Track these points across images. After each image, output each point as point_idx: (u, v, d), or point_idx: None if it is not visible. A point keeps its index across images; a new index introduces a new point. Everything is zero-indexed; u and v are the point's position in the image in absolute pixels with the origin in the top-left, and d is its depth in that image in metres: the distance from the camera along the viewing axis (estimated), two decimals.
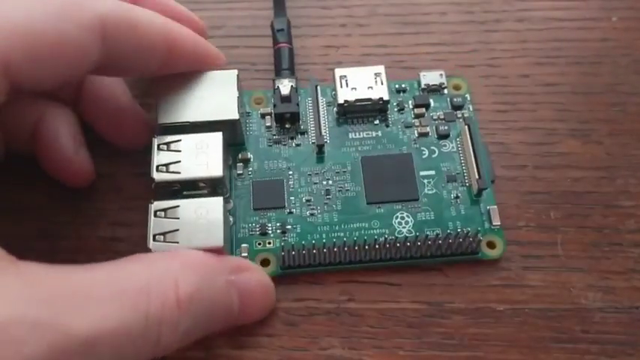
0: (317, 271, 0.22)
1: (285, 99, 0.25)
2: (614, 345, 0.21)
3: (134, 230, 0.23)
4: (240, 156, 0.24)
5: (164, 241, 0.20)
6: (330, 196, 0.23)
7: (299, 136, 0.25)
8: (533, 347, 0.21)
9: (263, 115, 0.25)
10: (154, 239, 0.20)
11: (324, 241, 0.22)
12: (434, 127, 0.25)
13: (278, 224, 0.23)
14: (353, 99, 0.24)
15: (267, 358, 0.21)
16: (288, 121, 0.25)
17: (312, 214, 0.23)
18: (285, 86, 0.25)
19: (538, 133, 0.25)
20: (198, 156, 0.21)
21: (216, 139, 0.22)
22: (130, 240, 0.23)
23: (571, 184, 0.24)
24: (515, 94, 0.26)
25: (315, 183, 0.24)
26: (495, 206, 0.23)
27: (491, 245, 0.23)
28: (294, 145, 0.25)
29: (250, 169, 0.24)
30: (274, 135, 0.25)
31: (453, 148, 0.24)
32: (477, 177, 0.23)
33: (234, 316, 0.20)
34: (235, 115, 0.22)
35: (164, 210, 0.21)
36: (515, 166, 0.24)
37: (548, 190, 0.24)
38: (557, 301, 0.22)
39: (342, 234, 0.23)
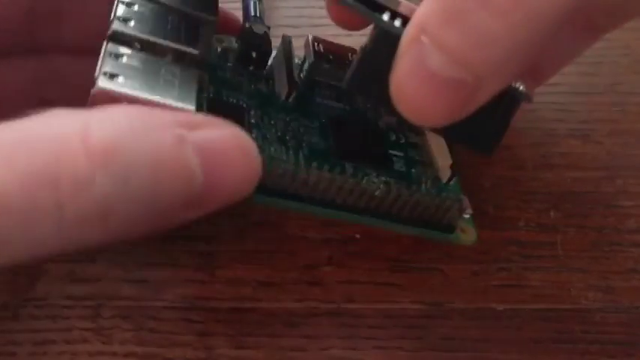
0: (279, 206, 0.20)
1: (257, 37, 0.22)
2: (614, 345, 0.21)
3: None
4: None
5: (116, 81, 0.16)
6: (296, 140, 0.21)
7: (263, 82, 0.22)
8: (533, 347, 0.21)
9: (224, 51, 0.23)
10: (104, 75, 0.16)
11: (289, 172, 0.20)
12: None
13: None
14: (327, 66, 0.22)
15: (267, 358, 0.21)
16: (253, 62, 0.22)
17: (276, 150, 0.20)
18: (258, 29, 0.22)
19: (538, 133, 0.25)
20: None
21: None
22: (131, 240, 0.23)
23: (571, 184, 0.24)
24: None
25: (280, 125, 0.21)
26: (465, 197, 0.22)
27: (462, 231, 0.22)
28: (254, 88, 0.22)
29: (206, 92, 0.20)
30: (236, 74, 0.22)
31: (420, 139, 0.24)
32: (445, 164, 0.22)
33: (197, 186, 0.14)
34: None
35: (125, 55, 0.17)
36: (515, 166, 0.24)
37: (548, 190, 0.24)
38: (557, 301, 0.22)
39: (308, 177, 0.20)
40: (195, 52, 0.18)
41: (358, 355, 0.21)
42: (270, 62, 0.23)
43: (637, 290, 0.22)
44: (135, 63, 0.17)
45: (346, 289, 0.22)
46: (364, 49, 0.18)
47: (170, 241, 0.22)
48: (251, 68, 0.23)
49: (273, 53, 0.23)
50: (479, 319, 0.22)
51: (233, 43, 0.23)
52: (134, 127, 0.14)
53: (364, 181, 0.21)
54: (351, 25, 0.22)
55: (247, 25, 0.22)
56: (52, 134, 0.13)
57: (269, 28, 0.23)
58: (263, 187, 0.19)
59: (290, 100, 0.22)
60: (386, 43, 0.16)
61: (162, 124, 0.14)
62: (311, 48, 0.23)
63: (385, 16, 0.17)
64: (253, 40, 0.22)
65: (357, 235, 0.23)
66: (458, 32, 0.15)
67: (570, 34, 0.22)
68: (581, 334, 0.21)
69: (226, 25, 0.23)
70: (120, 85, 0.16)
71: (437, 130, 0.19)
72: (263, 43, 0.22)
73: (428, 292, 0.22)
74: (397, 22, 0.17)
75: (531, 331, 0.21)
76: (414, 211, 0.21)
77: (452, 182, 0.23)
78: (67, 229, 0.13)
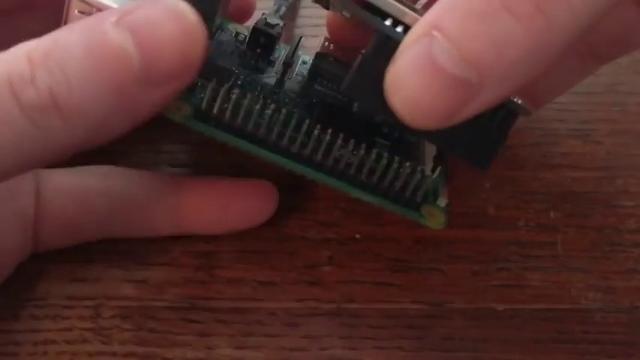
0: (240, 145, 0.20)
1: (268, 25, 0.23)
2: (614, 345, 0.21)
3: None
4: None
5: None
6: (276, 105, 0.20)
7: (266, 65, 0.23)
8: (533, 347, 0.21)
9: (237, 34, 0.23)
10: None
11: (260, 110, 0.20)
12: None
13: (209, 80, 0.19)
14: (331, 59, 0.22)
15: (268, 358, 0.21)
16: (261, 46, 0.23)
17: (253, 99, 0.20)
18: (272, 20, 0.23)
19: (538, 133, 0.25)
20: None
21: None
22: (130, 240, 0.23)
23: (571, 184, 0.24)
24: None
25: (266, 91, 0.21)
26: (446, 189, 0.21)
27: (431, 214, 0.21)
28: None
29: None
30: (242, 53, 0.23)
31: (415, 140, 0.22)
32: (430, 157, 0.22)
33: (135, 62, 0.16)
34: None
35: None
36: (515, 166, 0.24)
37: (548, 190, 0.24)
38: (557, 301, 0.22)
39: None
40: None
41: (358, 355, 0.21)
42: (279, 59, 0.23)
43: (637, 290, 0.22)
44: None
45: (346, 289, 0.22)
46: (364, 54, 0.18)
47: (170, 241, 0.22)
48: (258, 51, 0.23)
49: (284, 52, 0.23)
50: (479, 319, 0.22)
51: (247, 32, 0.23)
52: (73, 27, 0.16)
53: (332, 139, 0.20)
54: (349, 43, 0.22)
55: (264, 15, 0.23)
56: (8, 56, 0.16)
57: (284, 24, 0.23)
58: (233, 128, 0.20)
59: (285, 79, 0.22)
60: (386, 49, 0.16)
61: (101, 18, 0.16)
62: (321, 43, 0.23)
63: (387, 22, 0.17)
64: (264, 26, 0.23)
65: (357, 235, 0.23)
66: (476, 30, 0.15)
67: (572, 63, 0.22)
68: (581, 334, 0.21)
69: (242, 14, 0.24)
70: None
71: (432, 139, 0.19)
72: (272, 29, 0.23)
73: (428, 292, 0.22)
74: (399, 29, 0.17)
75: (531, 331, 0.21)
76: (382, 180, 0.20)
77: (436, 173, 0.21)
78: (29, 116, 0.15)
